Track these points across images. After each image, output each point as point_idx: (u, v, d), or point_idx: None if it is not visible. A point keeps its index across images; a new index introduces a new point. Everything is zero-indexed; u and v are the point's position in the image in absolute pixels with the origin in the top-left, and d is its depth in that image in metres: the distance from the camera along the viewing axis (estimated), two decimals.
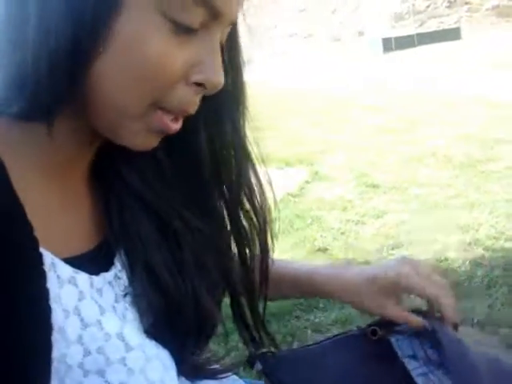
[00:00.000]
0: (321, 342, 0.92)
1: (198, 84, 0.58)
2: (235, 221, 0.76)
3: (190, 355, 0.73)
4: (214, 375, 0.80)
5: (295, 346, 2.52)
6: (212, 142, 0.71)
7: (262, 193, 0.76)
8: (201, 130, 0.70)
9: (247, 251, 0.78)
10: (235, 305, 0.82)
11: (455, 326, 0.83)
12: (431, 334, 0.79)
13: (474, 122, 7.36)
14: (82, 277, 0.60)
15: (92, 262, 0.63)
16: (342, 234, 3.91)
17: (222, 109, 0.70)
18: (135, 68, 0.54)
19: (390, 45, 35.12)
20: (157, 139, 0.62)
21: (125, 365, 0.60)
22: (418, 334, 0.82)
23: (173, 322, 0.68)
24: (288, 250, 3.69)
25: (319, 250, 3.64)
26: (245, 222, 0.77)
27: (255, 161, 0.75)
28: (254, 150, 0.76)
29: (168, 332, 0.67)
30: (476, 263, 3.20)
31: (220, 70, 0.59)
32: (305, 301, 2.92)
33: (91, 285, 0.61)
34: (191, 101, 0.60)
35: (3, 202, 0.51)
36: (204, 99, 0.64)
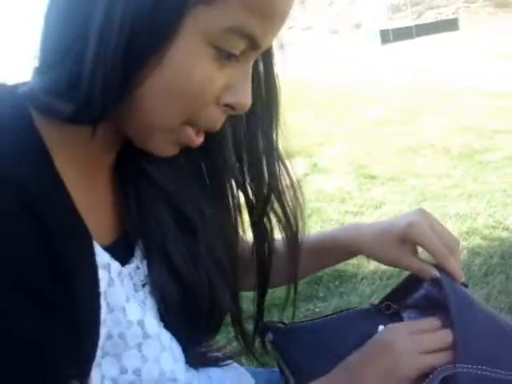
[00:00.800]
0: (331, 315, 0.94)
1: (227, 105, 0.63)
2: (260, 221, 0.82)
3: (198, 343, 0.77)
4: (216, 362, 0.84)
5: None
6: (240, 152, 0.77)
7: (295, 193, 0.82)
8: (228, 135, 0.76)
9: (266, 249, 0.84)
10: (236, 300, 0.86)
11: (464, 285, 0.83)
12: (437, 280, 0.80)
13: (472, 112, 7.39)
14: (115, 265, 0.65)
15: (119, 252, 0.68)
16: (342, 225, 3.93)
17: (255, 122, 0.77)
18: (179, 89, 0.58)
19: (387, 36, 35.07)
20: (179, 148, 0.67)
21: (140, 351, 0.64)
22: (432, 305, 0.82)
23: (186, 309, 0.71)
24: None
25: None
26: (273, 220, 0.82)
27: (286, 161, 0.82)
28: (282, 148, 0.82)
29: (181, 319, 0.71)
30: (474, 252, 3.23)
31: (249, 93, 0.63)
32: (305, 290, 2.96)
33: (119, 273, 0.66)
34: (219, 119, 0.65)
35: (55, 195, 0.56)
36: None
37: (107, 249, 0.65)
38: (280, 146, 0.82)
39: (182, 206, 0.74)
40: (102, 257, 0.62)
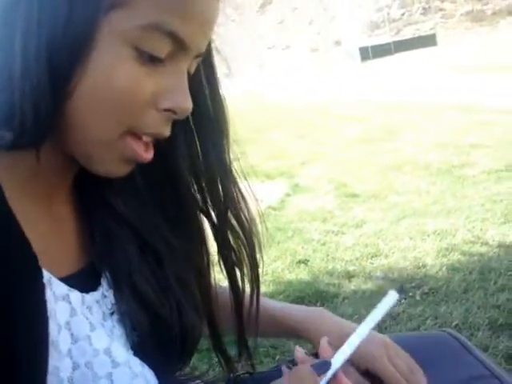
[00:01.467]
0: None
1: (168, 110, 0.63)
2: (224, 241, 0.81)
3: (172, 371, 0.78)
4: None
5: (278, 358, 2.57)
6: (194, 164, 0.76)
7: (249, 211, 0.82)
8: (180, 153, 0.75)
9: (236, 270, 0.84)
10: (213, 326, 0.86)
11: None
12: None
13: (450, 128, 7.49)
14: (75, 294, 0.65)
15: (81, 281, 0.67)
16: (323, 245, 3.96)
17: (202, 131, 0.76)
18: (106, 97, 0.58)
19: (367, 54, 35.50)
20: (129, 167, 0.66)
21: (111, 381, 0.64)
22: None
23: (158, 337, 0.72)
24: (270, 263, 3.73)
25: (300, 261, 3.68)
26: (233, 243, 0.82)
27: (239, 178, 0.80)
28: (236, 166, 0.81)
29: (153, 347, 0.71)
30: (453, 268, 3.26)
31: (187, 96, 0.63)
32: None
33: (83, 302, 0.66)
34: (162, 125, 0.64)
35: (3, 223, 0.56)
36: (183, 124, 0.70)
37: (67, 279, 0.65)
38: (238, 167, 0.81)
39: (147, 235, 0.74)
40: (58, 288, 0.62)
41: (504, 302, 2.76)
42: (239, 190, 0.80)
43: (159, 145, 0.68)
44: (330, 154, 7.25)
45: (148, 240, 0.74)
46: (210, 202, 0.79)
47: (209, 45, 0.71)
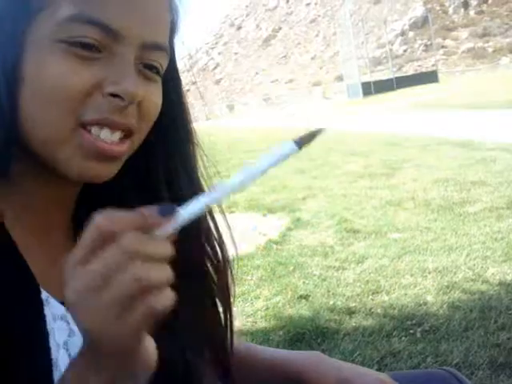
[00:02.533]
0: None
1: (114, 95, 0.63)
2: (199, 274, 0.81)
3: None
4: None
5: None
6: (170, 189, 0.77)
7: (220, 242, 0.82)
8: (159, 176, 0.76)
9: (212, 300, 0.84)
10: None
11: None
12: None
13: (451, 164, 7.53)
14: None
15: None
16: (324, 280, 3.96)
17: (175, 157, 0.77)
18: (44, 93, 0.61)
19: (369, 89, 35.78)
20: (103, 167, 0.65)
21: None
22: None
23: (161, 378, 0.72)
24: (270, 298, 3.73)
25: (301, 297, 3.68)
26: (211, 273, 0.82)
27: (215, 210, 0.81)
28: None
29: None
30: (454, 306, 3.26)
31: (132, 81, 0.64)
32: (287, 348, 2.97)
33: None
34: (110, 111, 0.64)
35: (1, 245, 0.59)
36: (159, 135, 0.72)
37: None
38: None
39: None
40: (56, 308, 0.64)
41: (504, 340, 2.76)
42: (214, 224, 0.80)
43: (139, 166, 0.70)
44: (331, 188, 7.28)
45: None
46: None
47: (171, 48, 0.73)
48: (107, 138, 0.63)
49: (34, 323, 0.59)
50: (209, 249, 0.81)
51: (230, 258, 0.84)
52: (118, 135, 0.65)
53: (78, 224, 0.76)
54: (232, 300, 0.85)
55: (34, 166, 0.65)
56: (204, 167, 0.81)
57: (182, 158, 0.78)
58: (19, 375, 0.56)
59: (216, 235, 0.81)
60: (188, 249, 0.79)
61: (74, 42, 0.60)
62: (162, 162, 0.75)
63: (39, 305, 0.61)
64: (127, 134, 0.66)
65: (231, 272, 0.84)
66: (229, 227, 0.83)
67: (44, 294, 0.62)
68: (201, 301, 0.83)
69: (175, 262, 0.79)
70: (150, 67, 0.67)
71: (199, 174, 0.80)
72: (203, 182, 0.81)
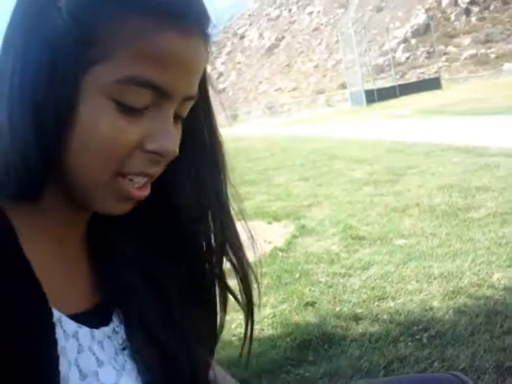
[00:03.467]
0: None
1: (153, 152, 0.67)
2: (219, 278, 0.84)
3: None
4: None
5: None
6: (192, 200, 0.79)
7: (242, 252, 0.84)
8: (179, 189, 0.78)
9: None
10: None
11: None
12: None
13: (455, 170, 7.54)
14: (84, 330, 0.67)
15: (92, 318, 0.71)
16: (330, 287, 3.98)
17: (200, 167, 0.79)
18: (93, 146, 0.63)
19: (372, 96, 35.81)
20: (128, 205, 0.70)
21: None
22: None
23: (168, 372, 0.74)
24: (277, 305, 3.75)
25: (307, 304, 3.70)
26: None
27: (236, 219, 0.84)
28: (235, 208, 0.84)
29: (164, 381, 0.73)
30: (460, 311, 3.27)
31: (172, 139, 0.67)
32: (294, 354, 2.99)
33: (92, 338, 0.68)
34: (149, 166, 0.68)
35: (15, 263, 0.61)
36: (183, 160, 0.73)
37: (77, 316, 0.67)
38: (236, 208, 0.84)
39: (150, 268, 0.78)
40: (68, 326, 0.65)
41: (510, 344, 2.77)
42: (235, 230, 0.83)
43: (160, 181, 0.72)
44: (336, 196, 7.30)
45: (152, 273, 0.78)
46: (204, 239, 0.82)
47: (204, 83, 0.75)
48: (138, 184, 0.68)
49: (44, 347, 0.60)
50: (232, 258, 0.83)
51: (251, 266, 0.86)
52: (145, 180, 0.69)
53: (91, 238, 0.78)
54: (253, 309, 0.86)
55: (61, 195, 0.68)
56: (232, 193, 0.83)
57: (209, 174, 0.80)
58: None
59: (237, 244, 0.83)
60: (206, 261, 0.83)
61: (125, 104, 0.63)
62: (188, 181, 0.78)
63: (50, 329, 0.62)
64: (151, 177, 0.70)
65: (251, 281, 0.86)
66: (252, 236, 0.86)
67: (56, 314, 0.63)
68: (212, 306, 0.85)
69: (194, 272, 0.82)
70: (179, 116, 0.70)
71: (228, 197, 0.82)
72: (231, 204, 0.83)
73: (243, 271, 0.84)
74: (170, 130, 0.67)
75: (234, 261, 0.83)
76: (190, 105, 0.71)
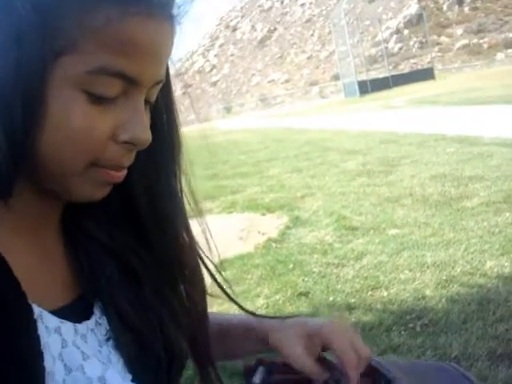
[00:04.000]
0: None
1: (127, 142, 0.65)
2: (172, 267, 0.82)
3: None
4: None
5: None
6: (149, 193, 0.78)
7: (192, 248, 0.83)
8: (137, 182, 0.77)
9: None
10: (196, 345, 0.86)
11: None
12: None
13: (448, 160, 7.56)
14: (67, 325, 0.66)
15: (74, 312, 0.69)
16: (323, 277, 3.99)
17: (157, 158, 0.77)
18: (65, 139, 0.61)
19: (365, 87, 35.82)
20: (105, 189, 0.69)
21: None
22: None
23: (145, 357, 0.74)
24: (270, 296, 3.75)
25: (301, 294, 3.71)
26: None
27: (193, 214, 0.82)
28: (190, 202, 0.82)
29: (142, 368, 0.73)
30: (452, 300, 3.29)
31: (144, 128, 0.66)
32: None
33: (75, 332, 0.67)
34: (123, 157, 0.67)
35: None
36: (141, 152, 0.71)
37: (59, 311, 0.66)
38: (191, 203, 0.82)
39: (121, 254, 0.77)
40: (50, 322, 0.64)
41: (503, 332, 2.79)
42: (186, 229, 0.82)
43: None
44: (329, 187, 7.31)
45: (122, 258, 0.77)
46: (158, 230, 0.80)
47: (167, 72, 0.73)
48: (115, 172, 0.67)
49: (27, 345, 0.59)
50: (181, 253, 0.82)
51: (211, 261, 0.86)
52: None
53: (65, 229, 0.77)
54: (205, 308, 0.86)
55: (29, 188, 0.66)
56: (185, 174, 0.81)
57: (165, 164, 0.78)
58: None
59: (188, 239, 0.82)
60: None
61: (96, 95, 0.61)
62: (142, 163, 0.76)
63: (31, 326, 0.61)
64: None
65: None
66: (208, 230, 0.84)
67: (37, 310, 0.62)
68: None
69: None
70: (148, 102, 0.69)
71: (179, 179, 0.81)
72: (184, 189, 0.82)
73: (194, 275, 0.83)
74: (141, 118, 0.66)
75: (185, 261, 0.82)
76: (158, 89, 0.70)
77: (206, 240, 0.85)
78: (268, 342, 0.87)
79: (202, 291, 0.85)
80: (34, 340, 0.60)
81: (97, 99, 0.62)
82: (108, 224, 0.78)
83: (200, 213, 0.84)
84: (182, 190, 0.81)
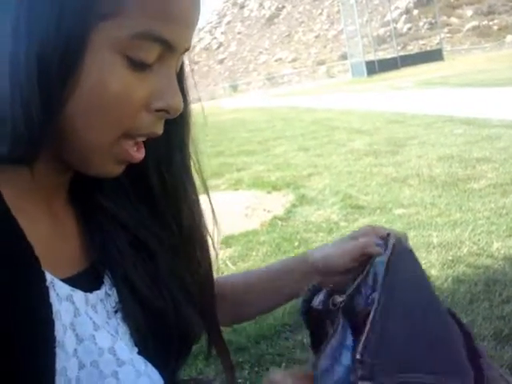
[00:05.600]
0: None
1: (160, 110, 0.65)
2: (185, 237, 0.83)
3: (173, 366, 0.78)
4: None
5: (284, 365, 2.58)
6: (160, 172, 0.78)
7: (201, 219, 0.83)
8: (150, 161, 0.76)
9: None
10: (208, 319, 0.86)
11: None
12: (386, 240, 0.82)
13: (456, 141, 7.51)
14: (78, 294, 0.66)
15: (84, 281, 0.69)
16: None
17: (172, 136, 0.76)
18: (101, 104, 0.60)
19: (373, 67, 35.60)
20: (122, 167, 0.68)
21: (117, 379, 0.65)
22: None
23: (155, 332, 0.73)
24: None
25: None
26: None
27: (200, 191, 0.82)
28: (199, 177, 0.82)
29: (152, 343, 0.72)
30: (459, 280, 3.28)
31: (178, 94, 0.66)
32: (293, 322, 2.99)
33: (86, 302, 0.67)
34: (155, 125, 0.67)
35: (4, 227, 0.58)
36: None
37: (70, 279, 0.66)
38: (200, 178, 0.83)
39: (137, 231, 0.76)
40: (61, 289, 0.63)
41: (509, 313, 2.78)
42: (197, 198, 0.82)
43: None
44: (336, 166, 7.28)
45: (138, 235, 0.77)
46: (172, 205, 0.80)
47: None
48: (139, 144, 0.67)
49: (39, 311, 0.58)
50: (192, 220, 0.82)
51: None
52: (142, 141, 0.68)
53: (75, 199, 0.76)
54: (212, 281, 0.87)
55: (52, 157, 0.65)
56: (194, 151, 0.81)
57: (178, 135, 0.78)
58: (21, 368, 0.56)
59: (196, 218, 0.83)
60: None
61: (136, 60, 0.61)
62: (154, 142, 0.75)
63: (44, 292, 0.60)
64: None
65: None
66: (212, 209, 0.85)
67: (48, 277, 0.61)
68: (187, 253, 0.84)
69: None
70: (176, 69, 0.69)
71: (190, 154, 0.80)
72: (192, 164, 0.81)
73: (202, 250, 0.84)
74: (175, 85, 0.66)
75: (195, 229, 0.83)
76: (183, 58, 0.70)
77: (213, 215, 0.86)
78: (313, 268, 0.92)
79: (209, 266, 0.86)
80: (46, 307, 0.59)
81: (136, 65, 0.61)
82: (121, 199, 0.77)
83: (206, 190, 0.84)
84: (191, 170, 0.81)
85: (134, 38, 0.60)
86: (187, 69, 0.77)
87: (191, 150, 0.80)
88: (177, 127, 0.76)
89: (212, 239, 0.85)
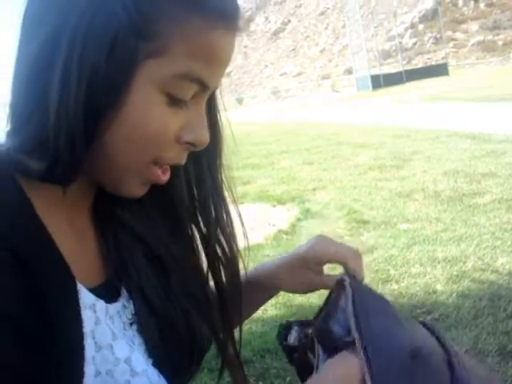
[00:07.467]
0: None
1: (189, 143, 0.69)
2: (212, 255, 0.84)
3: (184, 378, 0.81)
4: None
5: (288, 380, 2.59)
6: (191, 188, 0.82)
7: (233, 234, 0.84)
8: (181, 177, 0.80)
9: (221, 279, 0.86)
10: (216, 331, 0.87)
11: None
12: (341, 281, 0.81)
13: (461, 156, 7.52)
14: (101, 304, 0.69)
15: (106, 292, 0.72)
16: (334, 270, 3.98)
17: (202, 159, 0.80)
18: (139, 136, 0.65)
19: (378, 82, 35.66)
20: (146, 188, 0.73)
21: None
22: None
23: (169, 344, 0.76)
24: None
25: None
26: (220, 254, 0.85)
27: (229, 204, 0.85)
28: (229, 193, 0.85)
29: (164, 354, 0.74)
30: (463, 295, 3.28)
31: (206, 130, 0.70)
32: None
33: (106, 312, 0.70)
34: (182, 156, 0.71)
35: (38, 236, 0.62)
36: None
37: (92, 290, 0.69)
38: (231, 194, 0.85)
39: (152, 244, 0.79)
40: (87, 298, 0.67)
41: None
42: (228, 214, 0.84)
43: None
44: (341, 180, 7.30)
45: (153, 248, 0.79)
46: (201, 222, 0.83)
47: None
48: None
49: (70, 315, 0.62)
50: (222, 239, 0.84)
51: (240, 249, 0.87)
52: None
53: (95, 212, 0.79)
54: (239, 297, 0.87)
55: (86, 176, 0.69)
56: (227, 168, 0.84)
57: (208, 158, 0.81)
58: (53, 364, 0.59)
59: (229, 226, 0.84)
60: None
61: (176, 98, 0.65)
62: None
63: (75, 297, 0.64)
64: None
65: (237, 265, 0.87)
66: (242, 221, 0.87)
67: (77, 284, 0.65)
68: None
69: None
70: None
71: (222, 175, 0.83)
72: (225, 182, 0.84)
73: (230, 259, 0.85)
74: (204, 120, 0.70)
75: (224, 247, 0.84)
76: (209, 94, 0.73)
77: (243, 232, 0.88)
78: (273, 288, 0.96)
79: (238, 280, 0.87)
80: (76, 310, 0.63)
81: (175, 102, 0.66)
82: (140, 214, 0.80)
83: (237, 208, 0.86)
84: (222, 188, 0.83)
85: (176, 78, 0.64)
86: None
87: (223, 166, 0.83)
88: (209, 149, 0.78)
89: (242, 259, 0.88)
